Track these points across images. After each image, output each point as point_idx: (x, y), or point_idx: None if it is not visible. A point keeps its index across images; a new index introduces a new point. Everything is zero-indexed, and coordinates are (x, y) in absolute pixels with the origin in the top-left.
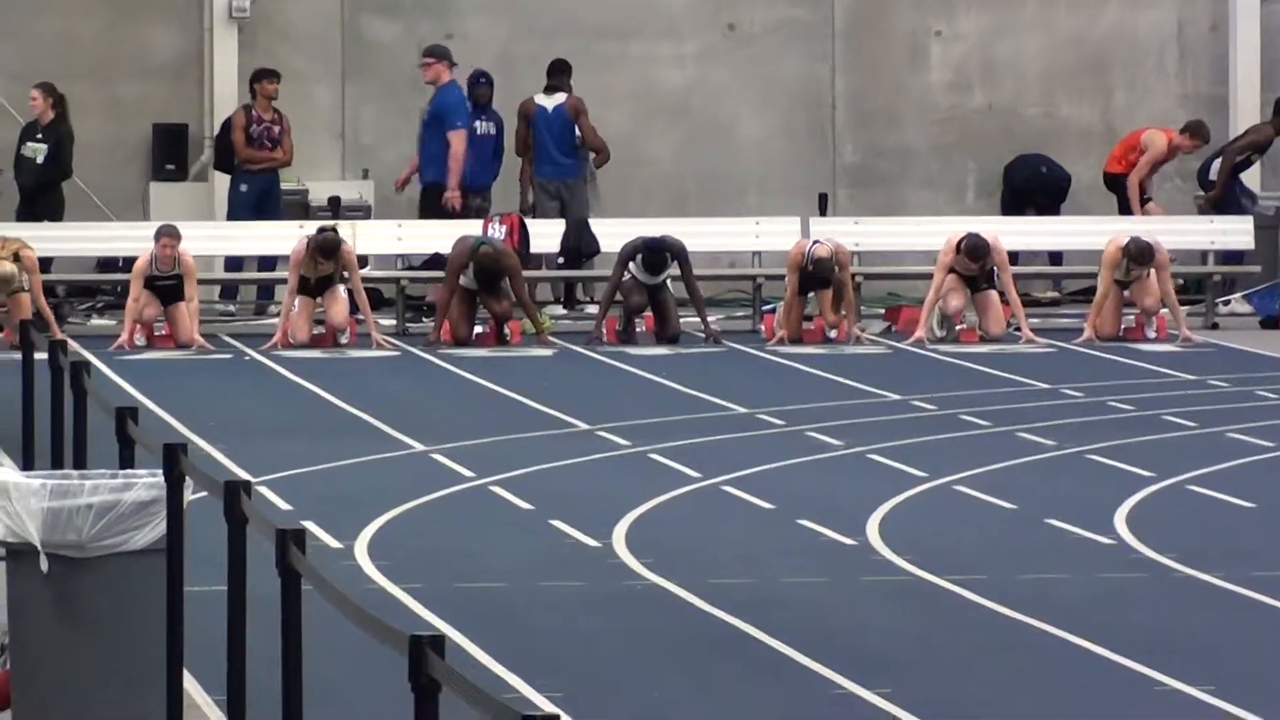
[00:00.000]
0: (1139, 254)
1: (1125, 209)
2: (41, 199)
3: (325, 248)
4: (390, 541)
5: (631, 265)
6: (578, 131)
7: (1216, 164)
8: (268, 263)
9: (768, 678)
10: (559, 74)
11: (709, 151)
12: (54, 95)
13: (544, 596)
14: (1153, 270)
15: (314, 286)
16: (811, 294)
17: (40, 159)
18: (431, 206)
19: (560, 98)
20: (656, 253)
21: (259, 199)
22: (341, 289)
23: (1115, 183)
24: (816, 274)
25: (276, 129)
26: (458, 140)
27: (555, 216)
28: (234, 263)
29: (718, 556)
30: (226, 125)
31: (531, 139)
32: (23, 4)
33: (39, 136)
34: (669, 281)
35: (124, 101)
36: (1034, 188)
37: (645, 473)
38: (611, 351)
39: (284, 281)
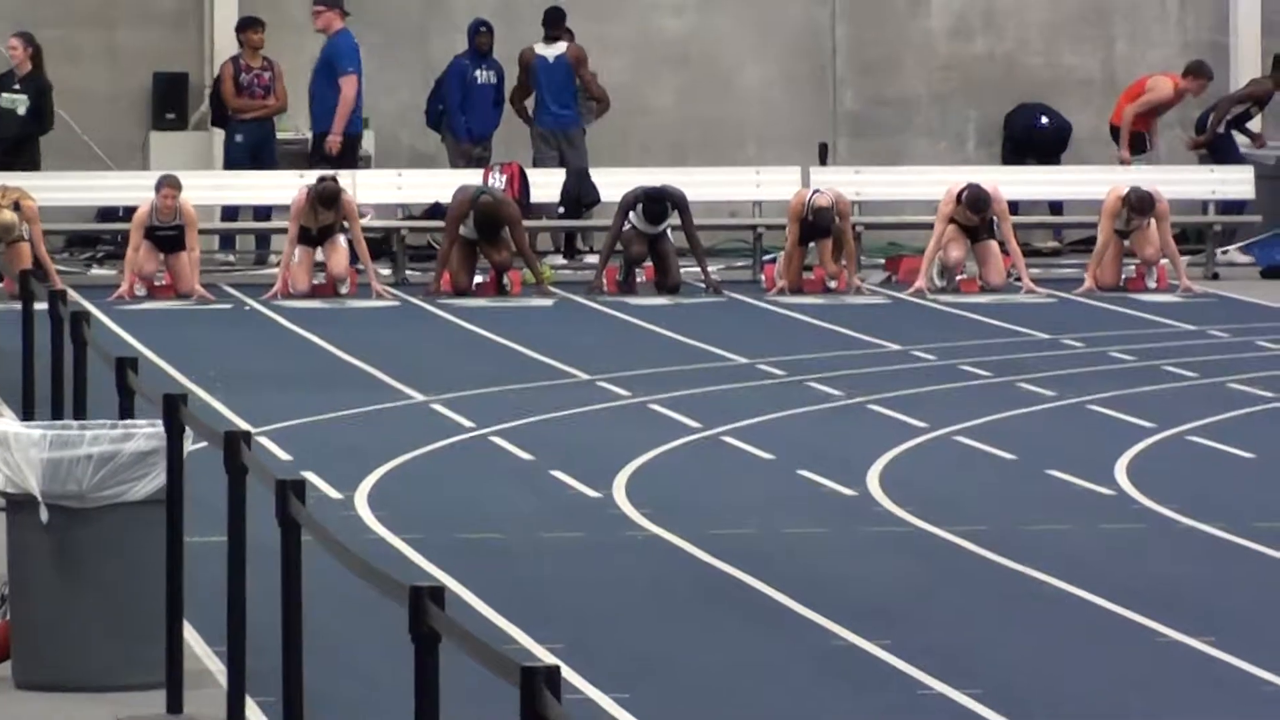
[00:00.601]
0: (1139, 204)
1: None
2: (21, 152)
3: (325, 197)
4: (390, 492)
5: (632, 215)
6: (577, 81)
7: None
8: (263, 212)
9: (767, 628)
10: (557, 23)
11: (709, 100)
12: (33, 45)
13: (544, 547)
14: (1153, 220)
15: (314, 236)
16: (812, 244)
17: (21, 110)
18: (319, 154)
19: (561, 47)
20: (657, 202)
21: (254, 149)
22: (342, 239)
23: (1120, 135)
24: (817, 224)
25: (267, 76)
26: (348, 85)
27: (554, 166)
28: (230, 212)
29: (718, 507)
30: (217, 79)
31: (532, 88)
32: None
33: (16, 87)
34: (669, 231)
35: (124, 49)
36: (1034, 137)
37: (645, 423)
38: (612, 301)
39: (283, 231)
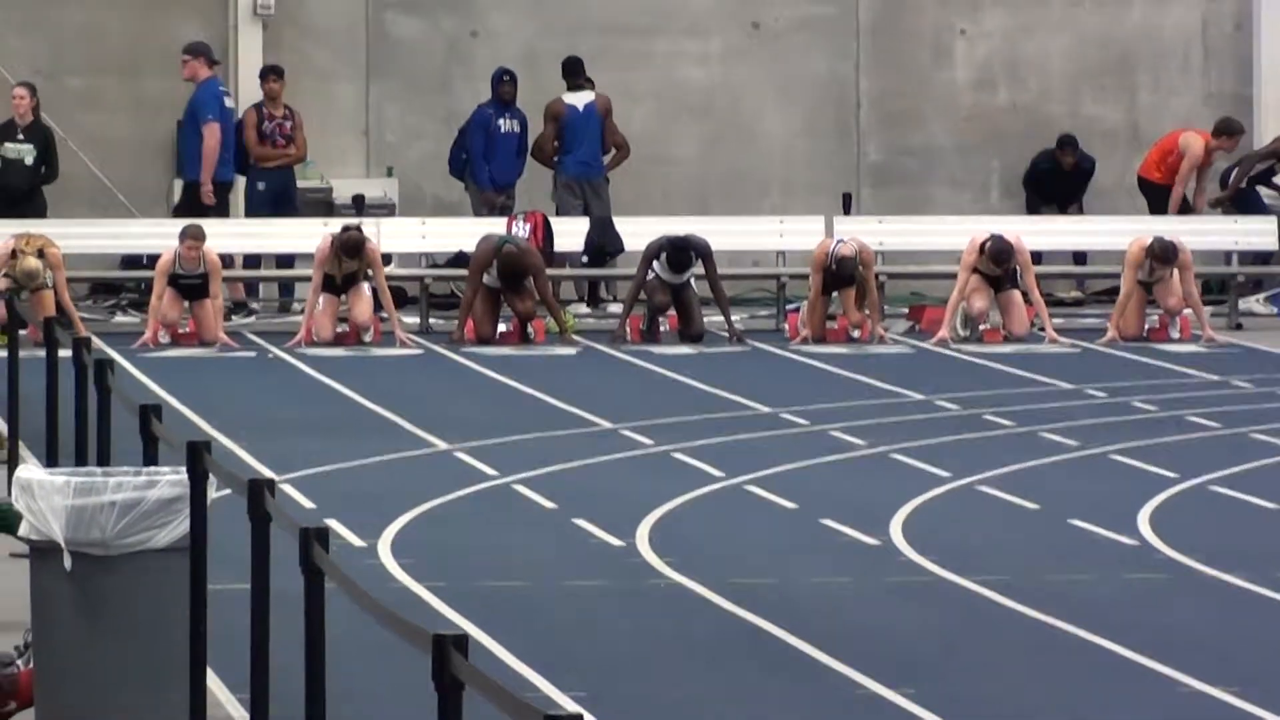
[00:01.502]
0: (1162, 253)
1: (1158, 213)
2: (30, 202)
3: (350, 246)
4: (414, 540)
5: (656, 264)
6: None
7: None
8: (285, 260)
9: (791, 677)
10: (579, 71)
11: (733, 150)
12: (35, 96)
13: (567, 595)
14: (1176, 270)
15: (338, 284)
16: (835, 293)
17: (29, 160)
18: (190, 204)
19: (589, 95)
20: (681, 251)
21: (276, 196)
22: (366, 287)
23: (1151, 189)
24: (840, 273)
25: (288, 125)
26: (210, 134)
27: (578, 215)
28: (251, 261)
29: (741, 556)
30: (239, 126)
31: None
32: None
33: (20, 137)
34: (693, 280)
35: (148, 98)
36: (1058, 173)
37: (669, 472)
38: (635, 350)
39: (306, 279)
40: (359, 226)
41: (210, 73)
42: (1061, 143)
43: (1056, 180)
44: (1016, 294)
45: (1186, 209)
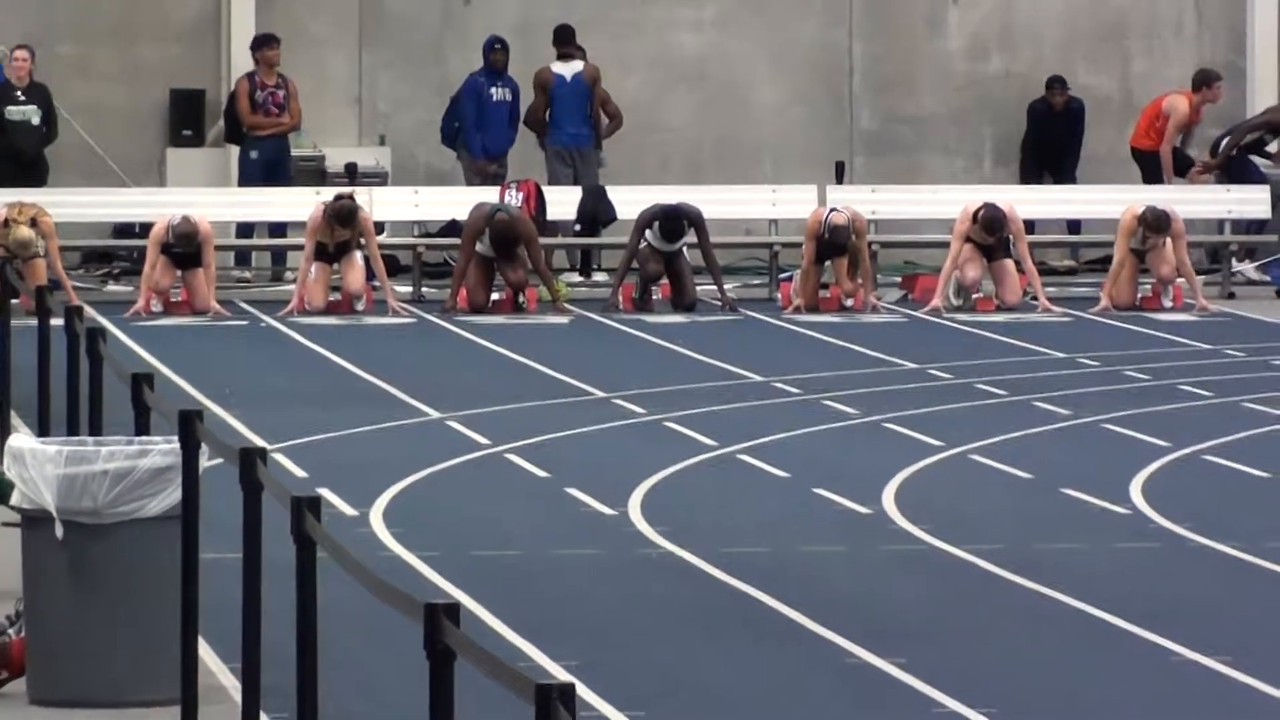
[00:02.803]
0: (1155, 222)
1: (1151, 180)
2: (37, 165)
3: (342, 215)
4: (406, 509)
5: (648, 233)
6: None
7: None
8: (278, 229)
9: (782, 646)
10: (569, 40)
11: (726, 118)
12: (34, 58)
13: (560, 565)
14: (1169, 239)
15: (331, 253)
16: (828, 262)
17: (35, 120)
18: None
19: (577, 66)
20: (673, 220)
21: (269, 165)
22: (358, 255)
23: (1143, 157)
24: (833, 242)
25: (282, 94)
26: None
27: (569, 184)
28: (244, 229)
29: (733, 525)
30: (232, 96)
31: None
32: None
33: (22, 98)
34: (685, 249)
35: (142, 65)
36: (1051, 115)
37: (661, 441)
38: (628, 319)
39: (299, 248)
40: (351, 195)
41: None
42: (1050, 83)
43: (1051, 123)
44: (1009, 263)
45: (1182, 166)
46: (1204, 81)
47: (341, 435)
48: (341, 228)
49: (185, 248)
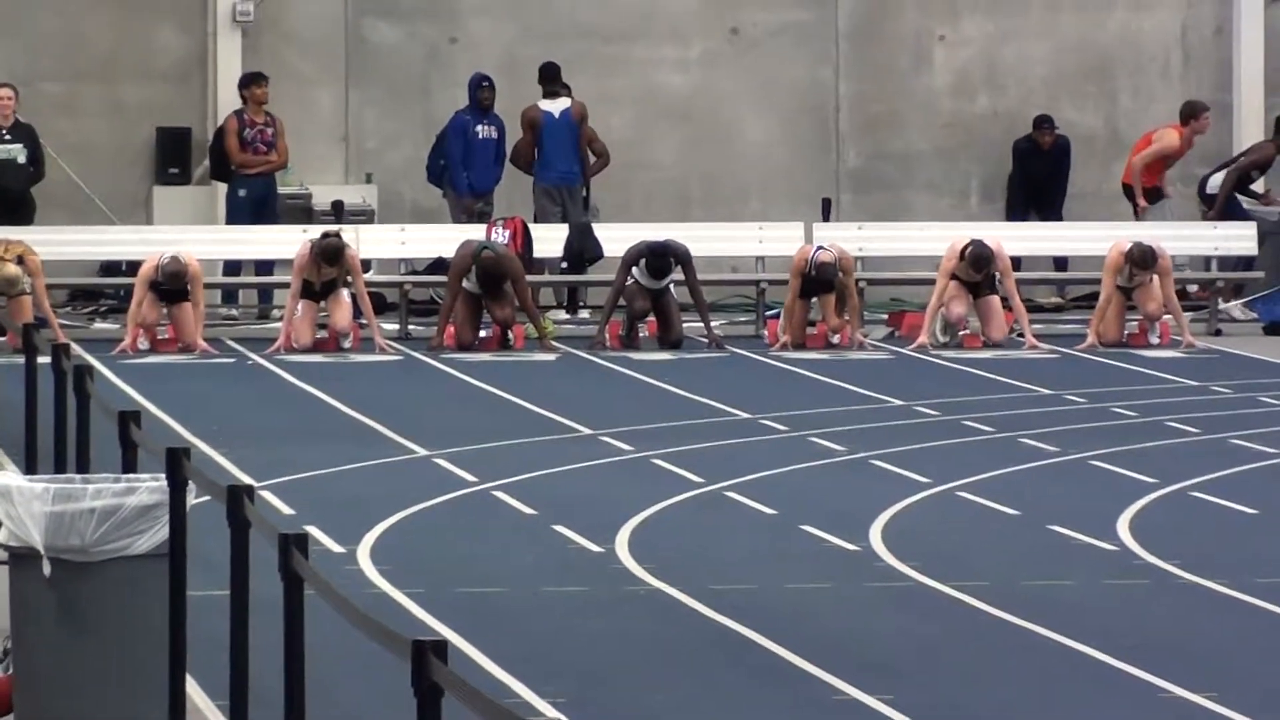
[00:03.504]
0: (1142, 259)
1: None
2: (24, 203)
3: (329, 253)
4: (393, 546)
5: (635, 270)
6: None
7: (1215, 178)
8: (265, 267)
9: (770, 683)
10: (555, 78)
11: (712, 155)
12: (18, 97)
13: (547, 601)
14: (1156, 276)
15: (318, 291)
16: (815, 299)
17: (21, 159)
18: None
19: (565, 103)
20: (660, 257)
21: (257, 204)
22: (345, 293)
23: (1133, 194)
24: (820, 279)
25: (270, 132)
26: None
27: (557, 221)
28: (232, 267)
29: (720, 562)
30: (220, 133)
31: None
32: (27, 3)
33: (7, 137)
34: (672, 286)
35: (128, 104)
36: (1038, 153)
37: (648, 478)
38: (614, 356)
39: (285, 286)
40: (338, 233)
41: None
42: (1038, 122)
43: (1037, 161)
44: (996, 299)
45: (1153, 196)
46: (1191, 114)
47: (329, 473)
48: (328, 265)
49: (174, 286)
